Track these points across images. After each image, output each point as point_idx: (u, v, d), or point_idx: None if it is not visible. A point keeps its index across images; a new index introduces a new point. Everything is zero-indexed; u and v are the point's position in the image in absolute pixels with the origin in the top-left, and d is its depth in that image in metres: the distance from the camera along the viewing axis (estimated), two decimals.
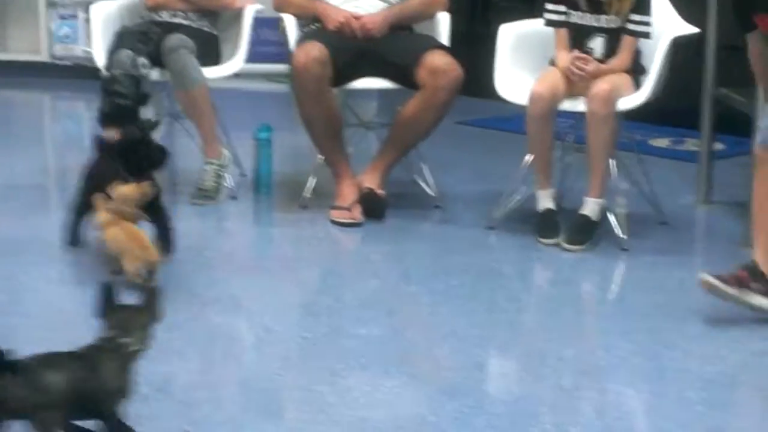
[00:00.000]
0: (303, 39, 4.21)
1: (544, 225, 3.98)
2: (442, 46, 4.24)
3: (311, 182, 4.38)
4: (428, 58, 4.12)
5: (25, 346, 2.74)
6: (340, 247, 4.02)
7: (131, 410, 2.54)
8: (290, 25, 4.42)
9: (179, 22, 4.48)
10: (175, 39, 4.28)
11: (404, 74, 4.18)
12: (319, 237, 4.04)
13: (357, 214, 4.14)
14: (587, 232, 3.93)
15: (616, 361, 2.96)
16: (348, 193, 4.18)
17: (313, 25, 4.32)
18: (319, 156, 4.32)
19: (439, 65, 4.10)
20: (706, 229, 4.44)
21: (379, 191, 4.20)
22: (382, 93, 4.58)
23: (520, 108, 4.03)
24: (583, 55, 3.95)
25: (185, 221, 4.16)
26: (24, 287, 3.38)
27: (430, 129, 4.24)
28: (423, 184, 4.46)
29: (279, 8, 4.48)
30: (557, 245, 3.90)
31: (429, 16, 4.40)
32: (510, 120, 5.60)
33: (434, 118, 4.20)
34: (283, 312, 3.32)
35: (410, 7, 4.33)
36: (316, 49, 4.05)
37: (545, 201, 4.02)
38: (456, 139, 5.67)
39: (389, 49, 4.19)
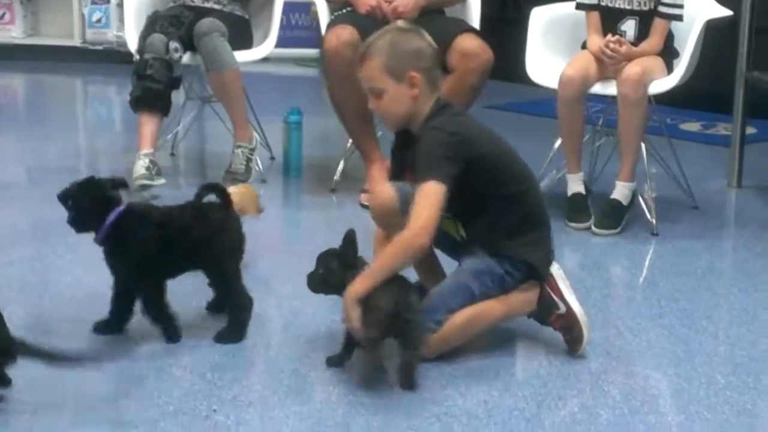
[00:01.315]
0: (334, 22, 4.22)
1: (574, 209, 3.97)
2: (473, 30, 4.23)
3: (341, 166, 4.39)
4: (459, 42, 4.11)
5: (57, 327, 2.79)
6: (368, 230, 4.01)
7: (162, 391, 2.57)
8: (322, 9, 4.43)
9: (211, 7, 4.50)
10: (207, 23, 4.29)
11: None
12: (348, 220, 4.04)
13: None
14: (618, 216, 3.91)
15: (645, 344, 2.96)
16: (378, 177, 4.18)
17: (345, 9, 4.32)
18: (350, 140, 4.33)
19: (470, 48, 4.09)
20: (736, 213, 4.41)
21: None
22: None
23: (551, 92, 4.01)
24: (617, 37, 3.92)
25: None
26: (56, 269, 3.42)
27: None
28: None
29: None
30: (587, 229, 3.89)
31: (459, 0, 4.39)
32: (540, 104, 5.58)
33: (465, 101, 4.18)
34: (311, 295, 3.32)
35: None
36: (347, 33, 4.05)
37: (575, 185, 4.01)
38: (487, 123, 5.64)
39: None
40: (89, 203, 2.74)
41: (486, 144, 2.78)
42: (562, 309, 2.82)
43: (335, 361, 2.73)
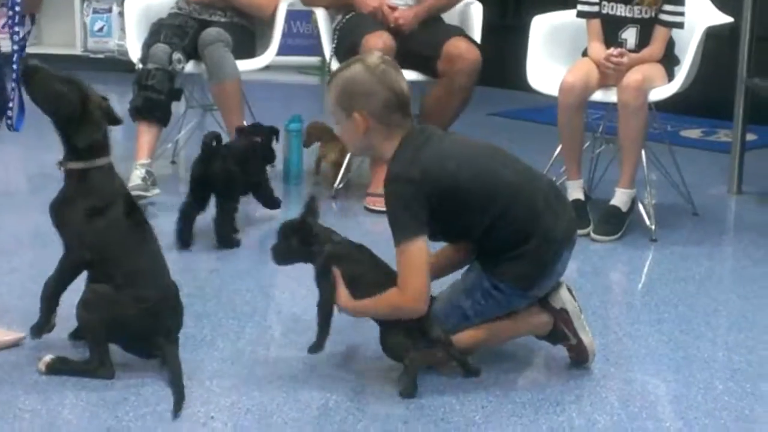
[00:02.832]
0: (357, 23, 4.22)
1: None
2: (462, 34, 4.26)
3: (341, 173, 4.40)
4: (447, 47, 4.16)
5: (57, 334, 2.79)
6: (369, 236, 4.00)
7: (161, 397, 2.57)
8: (321, 18, 4.44)
9: (217, 20, 4.50)
10: (213, 32, 4.31)
11: (426, 65, 4.22)
12: (349, 227, 4.04)
13: None
14: (617, 223, 3.92)
15: (644, 350, 2.96)
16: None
17: (349, 14, 4.35)
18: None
19: (456, 51, 4.14)
20: (736, 219, 4.41)
21: None
22: (413, 83, 4.58)
23: (552, 99, 4.02)
24: (619, 50, 3.92)
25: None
26: None
27: (455, 115, 4.26)
28: None
29: (309, 3, 4.51)
30: (587, 236, 3.89)
31: (456, 3, 4.41)
32: (541, 111, 5.59)
33: (456, 104, 4.22)
34: (311, 301, 3.33)
35: (438, 2, 4.33)
36: (387, 38, 4.11)
37: (574, 192, 4.02)
38: (487, 130, 5.66)
39: (414, 41, 4.22)
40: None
41: (453, 172, 2.65)
42: (573, 341, 2.81)
43: (315, 349, 2.75)
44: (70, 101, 2.65)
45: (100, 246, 2.66)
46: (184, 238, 3.78)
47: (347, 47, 4.20)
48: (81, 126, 2.64)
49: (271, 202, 4.11)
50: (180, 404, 2.53)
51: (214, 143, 3.78)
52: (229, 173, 3.77)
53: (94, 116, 2.66)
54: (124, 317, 2.62)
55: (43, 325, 2.74)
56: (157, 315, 2.67)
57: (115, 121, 2.76)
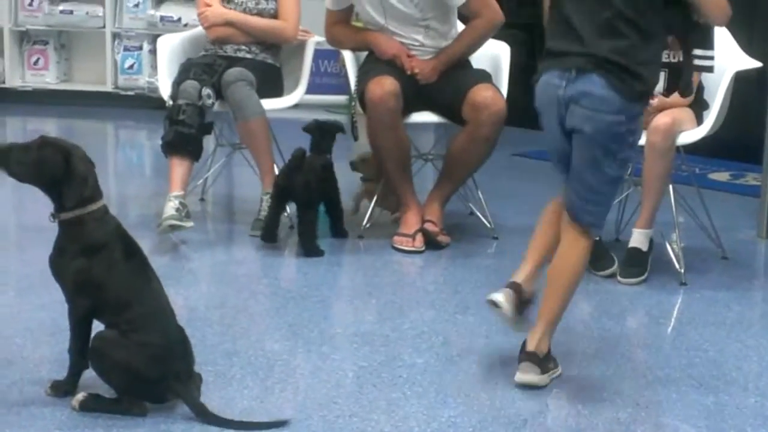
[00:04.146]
0: (369, 69, 4.26)
1: (596, 256, 3.95)
2: (488, 81, 4.26)
3: (368, 213, 4.42)
4: (471, 95, 4.16)
5: (87, 371, 2.81)
6: (396, 276, 4.04)
7: None
8: (348, 59, 4.49)
9: (243, 56, 4.55)
10: (234, 72, 4.35)
11: (451, 112, 4.24)
12: (376, 267, 4.07)
13: (419, 242, 4.20)
14: (641, 264, 3.91)
15: (674, 395, 2.94)
16: (413, 222, 4.24)
17: (370, 55, 4.39)
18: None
19: (481, 101, 4.14)
20: (766, 264, 4.39)
21: (442, 237, 4.24)
22: (438, 125, 4.62)
23: None
24: None
25: (243, 251, 4.22)
26: None
27: (480, 162, 4.28)
28: (480, 216, 4.47)
29: (333, 45, 4.57)
30: (612, 276, 3.88)
31: (480, 46, 4.42)
32: None
33: (481, 152, 4.24)
34: (339, 340, 3.34)
35: (460, 49, 4.34)
36: (389, 82, 4.11)
37: None
38: (513, 171, 5.68)
39: (438, 88, 4.25)
40: None
41: None
42: None
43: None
44: (54, 163, 2.65)
45: (99, 288, 2.66)
46: (270, 235, 4.16)
47: (360, 91, 4.24)
48: (68, 185, 2.64)
49: (339, 226, 4.34)
50: (205, 416, 2.58)
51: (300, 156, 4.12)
52: (309, 184, 4.09)
53: (78, 171, 2.66)
54: (131, 363, 2.62)
55: (65, 387, 2.75)
56: (164, 360, 2.65)
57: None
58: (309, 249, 4.10)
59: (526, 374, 2.90)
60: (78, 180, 2.65)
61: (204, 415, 2.63)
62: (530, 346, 2.91)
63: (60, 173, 2.65)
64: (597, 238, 3.95)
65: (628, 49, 2.76)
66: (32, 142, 2.69)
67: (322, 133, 4.27)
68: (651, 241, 3.96)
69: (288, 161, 4.18)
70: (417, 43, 4.32)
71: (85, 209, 2.68)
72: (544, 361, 2.92)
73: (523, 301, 3.03)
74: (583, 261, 2.97)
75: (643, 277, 3.88)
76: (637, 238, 3.93)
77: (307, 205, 4.13)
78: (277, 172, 4.41)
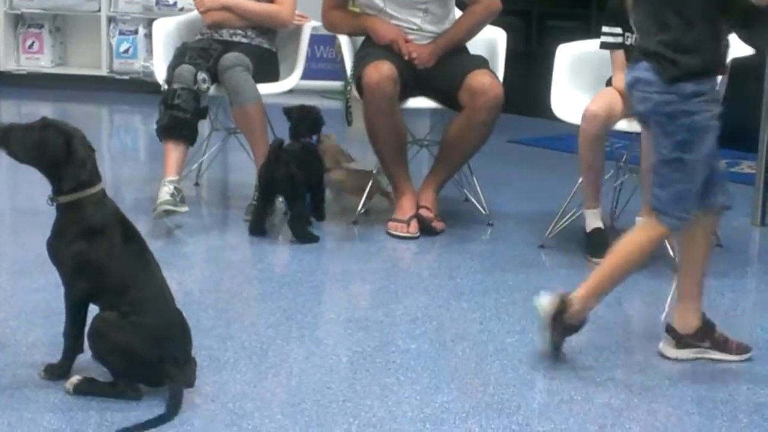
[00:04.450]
0: (366, 54, 4.25)
1: (593, 244, 3.97)
2: (485, 66, 4.26)
3: (363, 199, 4.42)
4: (468, 80, 4.16)
5: (86, 354, 2.81)
6: (391, 262, 4.05)
7: (184, 419, 2.58)
8: (345, 44, 4.48)
9: (239, 41, 4.54)
10: (230, 57, 4.34)
11: (448, 97, 4.24)
12: (370, 252, 4.07)
13: (414, 228, 4.20)
14: None
15: (667, 382, 2.95)
16: (407, 208, 4.24)
17: (367, 41, 4.38)
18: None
19: (478, 86, 4.14)
20: (760, 251, 4.39)
21: (436, 223, 4.24)
22: (434, 111, 4.61)
23: (572, 127, 4.03)
24: None
25: (238, 236, 4.22)
26: None
27: (476, 148, 4.27)
28: (475, 202, 4.48)
29: (330, 29, 4.55)
30: None
31: (478, 32, 4.42)
32: (562, 139, 5.60)
33: (477, 138, 4.24)
34: (333, 325, 3.35)
35: (458, 35, 4.34)
36: (386, 67, 4.10)
37: (594, 220, 4.02)
38: (508, 158, 5.68)
39: (435, 73, 4.24)
40: None
41: None
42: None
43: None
44: (55, 145, 2.64)
45: (98, 272, 2.66)
46: (258, 229, 4.14)
47: (357, 76, 4.23)
48: (67, 167, 2.64)
49: (320, 211, 4.27)
50: (165, 419, 2.54)
51: (278, 148, 4.08)
52: (292, 176, 4.04)
53: (78, 154, 2.66)
54: (130, 345, 2.62)
55: (59, 371, 2.75)
56: (163, 343, 2.66)
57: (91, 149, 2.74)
58: (302, 236, 4.09)
59: (666, 348, 3.10)
60: (77, 163, 2.65)
61: (170, 412, 2.59)
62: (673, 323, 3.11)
63: (61, 156, 2.64)
64: (600, 227, 3.97)
65: (671, 41, 2.89)
66: (34, 123, 2.68)
67: (301, 116, 4.24)
68: None
69: (267, 154, 4.12)
70: (415, 27, 4.31)
71: (84, 192, 2.67)
72: (687, 339, 3.07)
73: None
74: (641, 247, 3.05)
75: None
76: None
77: (294, 197, 4.11)
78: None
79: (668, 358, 3.07)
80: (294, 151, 4.14)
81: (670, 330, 3.10)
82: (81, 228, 2.67)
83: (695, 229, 3.05)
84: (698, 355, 3.07)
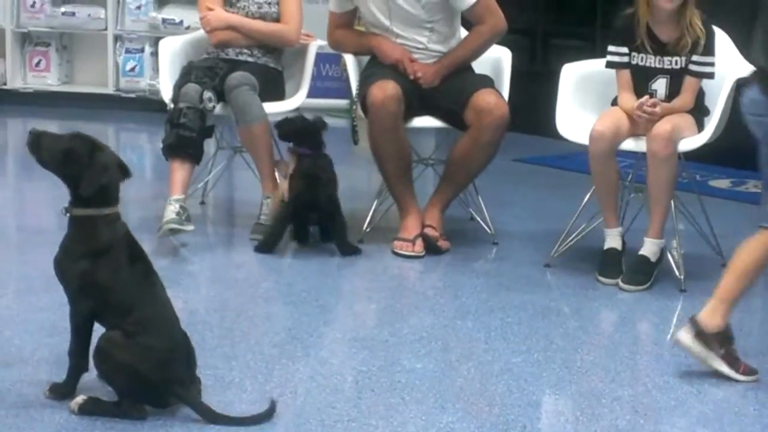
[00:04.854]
0: (371, 73, 4.26)
1: (607, 264, 3.96)
2: (491, 86, 4.26)
3: (369, 217, 4.41)
4: (474, 99, 4.16)
5: (87, 373, 2.81)
6: (396, 281, 4.04)
7: None
8: (350, 63, 4.49)
9: (245, 60, 4.56)
10: (236, 76, 4.35)
11: (454, 116, 4.25)
12: (375, 271, 4.07)
13: (419, 247, 4.20)
14: (646, 273, 3.90)
15: (673, 402, 2.94)
16: (412, 227, 4.24)
17: (372, 60, 4.39)
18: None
19: (485, 106, 4.14)
20: (765, 271, 4.36)
21: (442, 242, 4.24)
22: (439, 130, 4.62)
23: (578, 147, 4.03)
24: (652, 99, 3.92)
25: (243, 254, 4.22)
26: None
27: (481, 167, 4.28)
28: (480, 221, 4.48)
29: (336, 48, 4.57)
30: (615, 285, 3.88)
31: (484, 51, 4.42)
32: (567, 158, 5.61)
33: (483, 157, 4.24)
34: (338, 345, 3.34)
35: (463, 54, 4.34)
36: (391, 86, 4.11)
37: (612, 240, 4.00)
38: (513, 177, 5.68)
39: (441, 92, 4.25)
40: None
41: None
42: None
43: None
44: (79, 153, 2.67)
45: (103, 291, 2.67)
46: (268, 249, 4.18)
47: (362, 95, 4.24)
48: (87, 171, 2.66)
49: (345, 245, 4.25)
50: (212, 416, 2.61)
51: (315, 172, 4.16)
52: (330, 196, 4.18)
53: (101, 160, 2.68)
54: (136, 366, 2.62)
55: (64, 390, 2.75)
56: (168, 364, 2.66)
57: (126, 172, 2.77)
58: (349, 250, 4.18)
59: (683, 334, 3.08)
60: (98, 167, 2.67)
61: (210, 415, 2.63)
62: (698, 315, 3.09)
63: (84, 162, 2.66)
64: (616, 248, 3.96)
65: None
66: (65, 134, 2.72)
67: (302, 135, 4.23)
68: (662, 252, 3.96)
69: (300, 178, 4.15)
70: (420, 46, 4.32)
71: (99, 211, 2.69)
72: (706, 336, 3.06)
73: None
74: (760, 256, 3.13)
75: (645, 286, 3.88)
76: (649, 248, 3.92)
77: (337, 213, 4.20)
78: (277, 176, 4.41)
79: (681, 345, 3.08)
80: (323, 166, 4.20)
81: (694, 322, 3.09)
82: (89, 248, 2.68)
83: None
84: (707, 359, 3.07)
